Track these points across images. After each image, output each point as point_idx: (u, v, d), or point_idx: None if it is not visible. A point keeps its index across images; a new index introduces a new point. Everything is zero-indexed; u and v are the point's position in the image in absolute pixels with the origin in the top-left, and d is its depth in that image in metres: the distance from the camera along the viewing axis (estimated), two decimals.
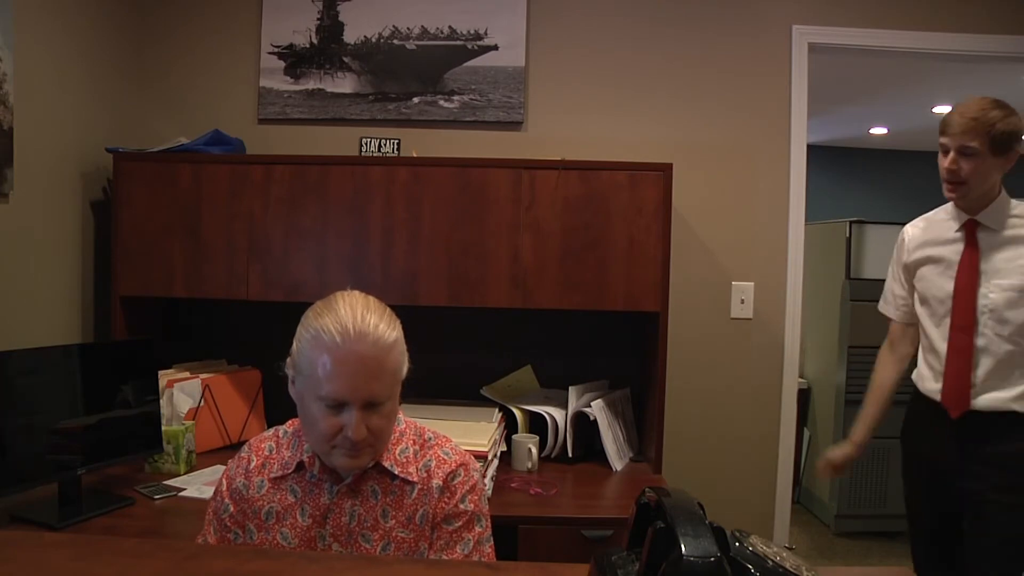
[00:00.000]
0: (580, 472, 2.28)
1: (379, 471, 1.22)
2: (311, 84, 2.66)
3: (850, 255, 3.79)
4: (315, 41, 2.66)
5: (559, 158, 2.31)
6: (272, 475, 1.24)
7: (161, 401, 2.08)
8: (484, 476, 1.93)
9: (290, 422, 1.31)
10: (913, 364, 2.06)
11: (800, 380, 2.79)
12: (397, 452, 1.24)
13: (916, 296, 2.00)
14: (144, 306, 2.39)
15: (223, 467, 1.47)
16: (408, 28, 2.65)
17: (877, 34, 2.67)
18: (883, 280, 4.02)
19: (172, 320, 2.59)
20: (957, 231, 1.88)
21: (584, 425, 2.36)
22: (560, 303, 2.25)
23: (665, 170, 2.26)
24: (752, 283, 2.69)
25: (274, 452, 1.27)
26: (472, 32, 2.64)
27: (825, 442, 3.96)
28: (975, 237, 1.86)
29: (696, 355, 2.67)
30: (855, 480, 3.76)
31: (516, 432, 2.32)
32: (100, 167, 2.41)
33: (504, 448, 2.29)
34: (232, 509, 1.24)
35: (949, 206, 1.94)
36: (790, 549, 0.89)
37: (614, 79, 2.68)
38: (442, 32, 2.65)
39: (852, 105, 5.03)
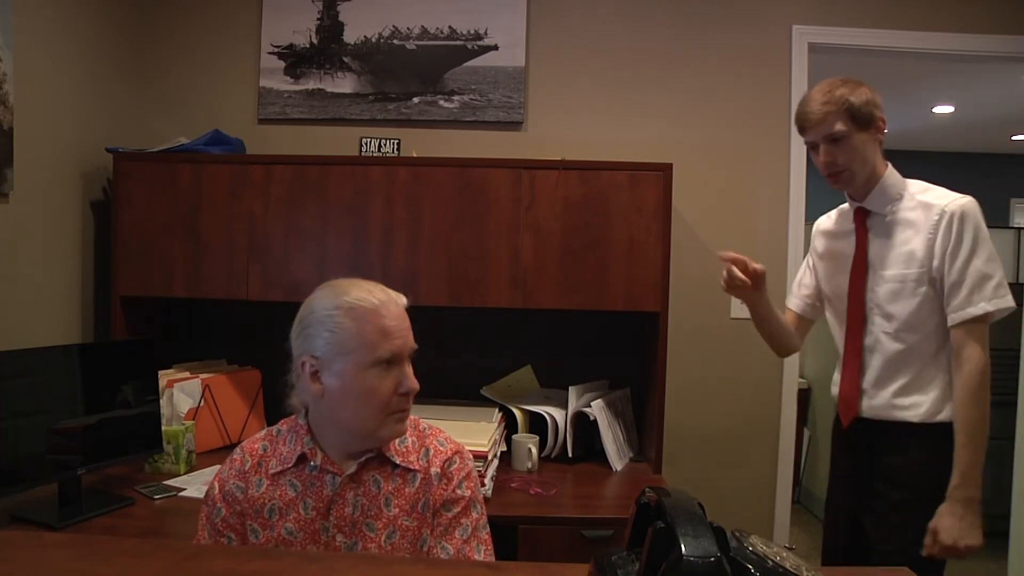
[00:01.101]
0: (580, 472, 2.27)
1: (380, 461, 1.24)
2: (311, 84, 2.66)
3: None
4: (315, 41, 2.66)
5: (559, 158, 2.31)
6: (271, 471, 1.24)
7: (161, 401, 2.08)
8: (484, 476, 1.93)
9: (283, 421, 1.32)
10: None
11: (800, 380, 2.78)
12: (397, 443, 1.26)
13: (824, 296, 1.87)
14: (144, 306, 2.39)
15: None
16: (408, 28, 2.65)
17: (877, 34, 2.67)
18: None
19: (172, 320, 2.59)
20: (853, 221, 1.75)
21: (584, 425, 2.36)
22: (560, 303, 2.25)
23: (665, 170, 2.26)
24: None
25: (269, 450, 1.28)
26: (472, 32, 2.64)
27: (825, 442, 3.96)
28: (865, 226, 1.71)
29: (696, 355, 2.67)
30: None
31: (516, 432, 2.31)
32: (100, 167, 2.41)
33: (504, 448, 2.29)
34: (224, 512, 1.24)
35: None
36: (790, 549, 0.89)
37: (614, 79, 2.68)
38: (442, 32, 2.65)
39: None
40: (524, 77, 2.65)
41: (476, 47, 2.65)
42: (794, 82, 2.66)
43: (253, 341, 2.51)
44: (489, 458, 2.02)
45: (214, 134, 2.40)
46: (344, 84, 2.66)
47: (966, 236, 1.57)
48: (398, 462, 1.24)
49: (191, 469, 2.11)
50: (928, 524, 1.56)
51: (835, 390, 1.80)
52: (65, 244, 2.28)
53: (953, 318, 1.59)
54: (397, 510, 1.22)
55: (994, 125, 5.43)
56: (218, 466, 2.11)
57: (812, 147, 1.68)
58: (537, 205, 2.24)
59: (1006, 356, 3.48)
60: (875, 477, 1.69)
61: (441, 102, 2.66)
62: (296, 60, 2.66)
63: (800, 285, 1.94)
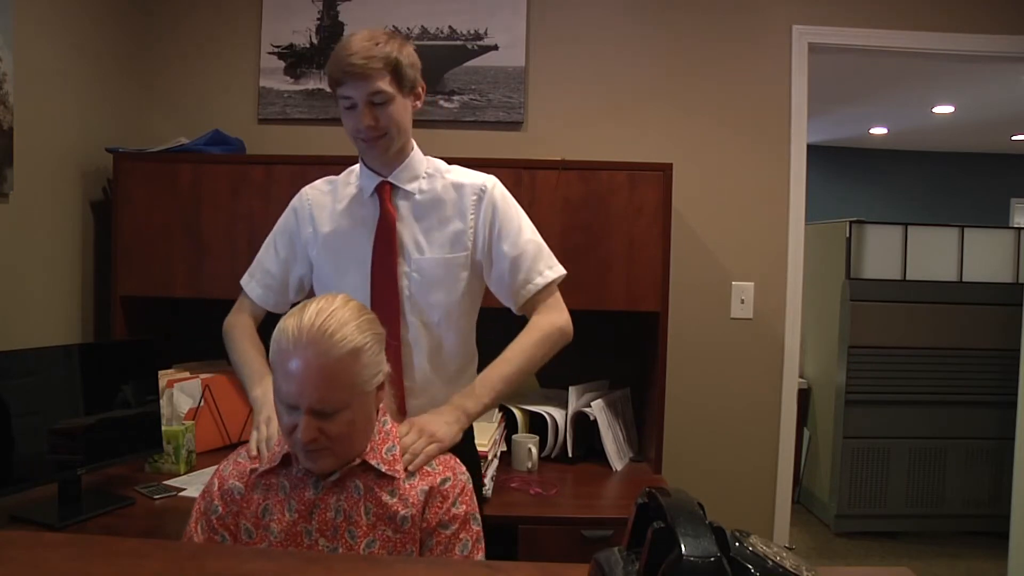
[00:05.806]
0: (580, 472, 2.27)
1: (364, 468, 1.22)
2: (311, 84, 2.66)
3: (850, 255, 3.79)
4: (315, 41, 2.66)
5: (559, 158, 2.31)
6: (263, 469, 1.25)
7: (161, 401, 2.08)
8: (484, 476, 1.93)
9: None
10: None
11: (800, 380, 2.79)
12: (384, 451, 1.24)
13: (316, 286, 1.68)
14: (144, 306, 2.39)
15: None
16: (408, 28, 2.65)
17: (877, 34, 2.67)
18: (883, 280, 4.00)
19: (172, 320, 2.59)
20: (370, 195, 1.56)
21: (584, 425, 2.36)
22: None
23: (665, 170, 2.26)
24: (752, 283, 2.69)
25: (265, 451, 1.30)
26: (472, 32, 2.64)
27: (825, 442, 3.97)
28: (392, 204, 1.54)
29: (696, 355, 2.67)
30: (855, 480, 3.76)
31: (516, 432, 2.31)
32: (100, 167, 2.41)
33: (504, 448, 2.29)
34: (221, 511, 1.23)
35: (356, 167, 1.63)
36: (790, 549, 0.89)
37: (614, 79, 2.68)
38: (442, 32, 2.65)
39: (852, 105, 5.03)
40: (524, 77, 2.65)
41: (476, 47, 2.65)
42: (794, 82, 2.66)
43: None
44: (489, 458, 2.02)
45: (214, 134, 2.40)
46: None
47: (511, 211, 1.59)
48: (384, 470, 1.22)
49: (191, 469, 2.11)
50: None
51: None
52: (65, 244, 2.28)
53: (527, 292, 1.58)
54: (376, 518, 1.21)
55: (994, 125, 5.43)
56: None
57: (348, 105, 1.47)
58: (537, 205, 2.24)
59: (1006, 356, 3.48)
60: None
61: (441, 102, 2.66)
62: (296, 60, 2.66)
63: (265, 273, 1.72)
